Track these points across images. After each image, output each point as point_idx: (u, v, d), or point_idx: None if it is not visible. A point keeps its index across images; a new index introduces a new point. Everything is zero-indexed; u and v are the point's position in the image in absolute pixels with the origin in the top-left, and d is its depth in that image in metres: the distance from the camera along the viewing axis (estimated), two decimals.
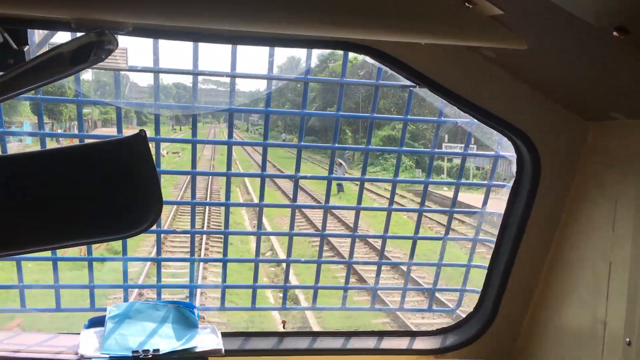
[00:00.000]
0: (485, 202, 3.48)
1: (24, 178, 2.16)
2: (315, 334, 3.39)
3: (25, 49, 2.22)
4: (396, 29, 2.17)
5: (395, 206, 3.64)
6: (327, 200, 3.48)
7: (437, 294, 3.79)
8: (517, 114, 2.82)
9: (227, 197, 3.34)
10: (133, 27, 2.24)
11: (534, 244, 3.12)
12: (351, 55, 2.97)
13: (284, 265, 16.24)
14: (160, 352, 2.80)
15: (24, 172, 2.16)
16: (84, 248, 3.23)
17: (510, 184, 3.16)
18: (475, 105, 2.80)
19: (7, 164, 2.10)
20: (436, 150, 3.38)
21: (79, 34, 2.08)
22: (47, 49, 2.10)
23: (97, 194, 2.24)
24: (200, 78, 3.10)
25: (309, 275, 16.11)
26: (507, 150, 3.18)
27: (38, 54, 2.12)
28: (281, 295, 3.81)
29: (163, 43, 2.84)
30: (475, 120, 3.04)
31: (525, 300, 3.27)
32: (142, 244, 15.19)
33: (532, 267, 3.18)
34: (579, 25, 1.81)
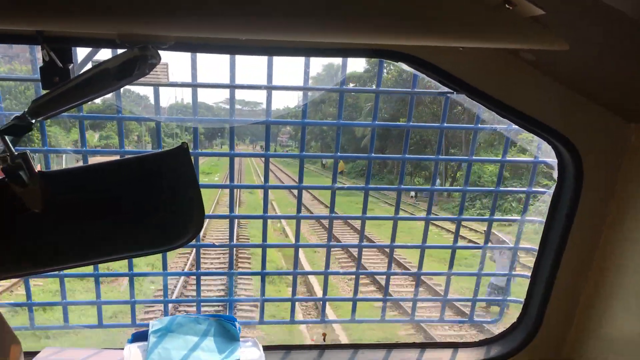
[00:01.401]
0: (525, 210, 3.42)
1: (67, 193, 2.19)
2: (357, 347, 3.35)
3: (70, 66, 2.26)
4: (434, 34, 2.15)
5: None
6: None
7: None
8: (558, 117, 2.78)
9: (265, 209, 3.34)
10: (175, 42, 2.28)
11: (578, 250, 3.05)
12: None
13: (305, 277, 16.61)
14: None
15: (66, 188, 2.19)
16: None
17: (551, 190, 3.11)
18: (514, 109, 2.76)
19: (51, 180, 2.14)
20: (474, 157, 3.33)
21: (121, 50, 2.12)
22: (91, 66, 2.14)
23: (139, 207, 2.26)
24: (222, 98, 3.14)
25: (338, 291, 16.37)
26: (547, 155, 3.13)
27: (82, 71, 2.16)
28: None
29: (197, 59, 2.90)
30: (515, 125, 3.00)
31: (570, 309, 3.19)
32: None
33: (577, 274, 3.11)
34: (624, 23, 1.78)
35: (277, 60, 2.98)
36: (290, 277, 3.61)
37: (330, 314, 13.40)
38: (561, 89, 2.72)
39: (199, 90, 3.01)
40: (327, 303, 3.68)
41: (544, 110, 2.77)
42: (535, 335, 3.26)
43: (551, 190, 3.11)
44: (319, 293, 15.49)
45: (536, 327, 3.25)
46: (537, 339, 3.27)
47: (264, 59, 2.92)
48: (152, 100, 3.03)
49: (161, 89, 2.94)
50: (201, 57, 2.89)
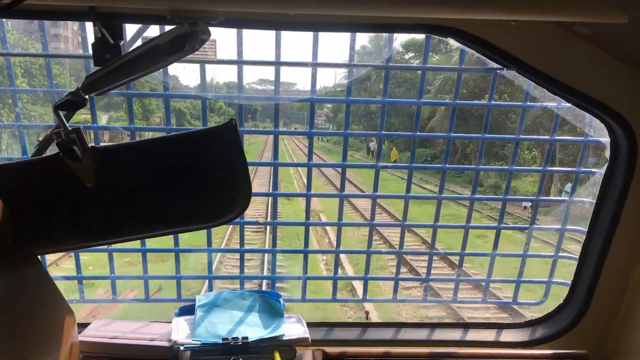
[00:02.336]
0: (573, 190, 3.34)
1: (116, 168, 2.23)
2: (399, 325, 3.35)
3: (121, 43, 2.28)
4: (485, 7, 2.10)
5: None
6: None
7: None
8: (613, 95, 2.69)
9: (309, 188, 3.35)
10: (224, 18, 2.28)
11: (629, 232, 2.98)
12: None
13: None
14: (249, 340, 2.83)
15: (116, 163, 2.23)
16: None
17: (602, 170, 3.03)
18: (567, 86, 2.68)
19: (103, 155, 2.17)
20: (521, 136, 3.26)
21: (170, 27, 2.13)
22: (141, 43, 2.16)
23: (187, 183, 2.29)
24: (255, 78, 3.13)
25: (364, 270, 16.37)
26: (600, 134, 3.04)
27: (132, 48, 2.18)
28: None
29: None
30: (566, 103, 2.92)
31: (620, 291, 3.12)
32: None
33: (627, 256, 3.03)
34: None
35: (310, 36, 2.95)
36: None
37: (360, 294, 13.50)
38: (617, 65, 2.63)
39: (230, 70, 2.99)
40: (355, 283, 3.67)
41: (598, 87, 2.69)
42: (583, 317, 3.20)
43: (602, 170, 3.03)
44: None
45: (583, 310, 3.19)
46: (584, 321, 3.21)
47: (303, 36, 2.89)
48: (181, 80, 3.03)
49: (187, 68, 2.94)
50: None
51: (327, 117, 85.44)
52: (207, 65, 2.98)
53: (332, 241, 18.90)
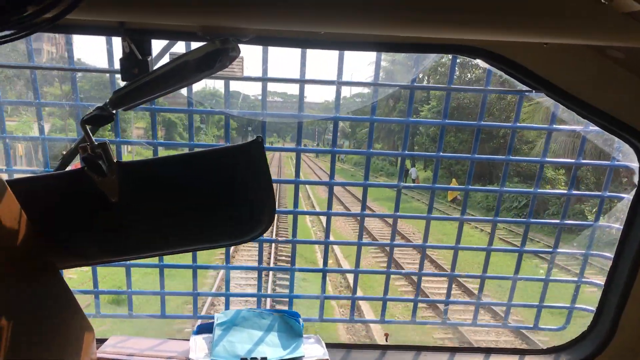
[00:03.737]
0: (598, 215, 3.28)
1: (141, 184, 2.21)
2: (419, 348, 3.29)
3: (149, 58, 2.27)
4: (517, 29, 2.07)
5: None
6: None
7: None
8: None
9: (330, 206, 3.32)
10: (254, 35, 2.27)
11: None
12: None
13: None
14: None
15: (141, 179, 2.21)
16: None
17: (630, 195, 2.97)
18: (597, 109, 2.64)
19: (129, 170, 2.16)
20: (547, 159, 3.22)
21: (199, 44, 2.12)
22: (169, 59, 2.15)
23: (212, 200, 2.27)
24: (259, 91, 3.11)
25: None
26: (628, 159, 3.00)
27: (160, 64, 2.17)
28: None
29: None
30: (593, 126, 2.88)
31: None
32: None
33: None
34: None
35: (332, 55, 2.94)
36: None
37: (367, 313, 13.38)
38: None
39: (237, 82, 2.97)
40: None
41: (628, 111, 2.64)
42: (608, 345, 3.13)
43: (630, 196, 2.97)
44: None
45: (609, 337, 3.11)
46: (609, 349, 3.14)
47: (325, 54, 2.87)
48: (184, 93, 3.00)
49: None
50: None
51: (342, 132, 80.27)
52: None
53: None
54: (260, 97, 3.11)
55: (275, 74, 3.08)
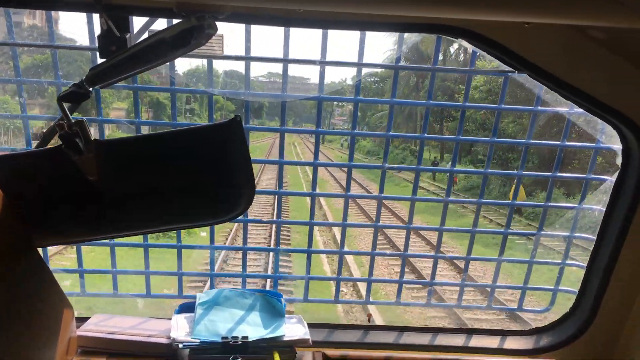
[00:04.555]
0: (582, 197, 3.28)
1: (120, 162, 2.20)
2: (402, 329, 3.30)
3: (127, 36, 2.25)
4: (498, 8, 2.05)
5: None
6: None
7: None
8: (626, 100, 2.63)
9: (314, 187, 3.31)
10: (231, 12, 2.25)
11: (639, 240, 2.92)
12: None
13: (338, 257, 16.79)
14: (249, 340, 2.80)
15: (119, 156, 2.20)
16: None
17: (613, 177, 2.97)
18: (579, 90, 2.63)
19: (107, 148, 2.14)
20: (531, 141, 3.21)
21: (176, 21, 2.10)
22: (147, 36, 2.13)
23: (191, 179, 2.26)
24: (265, 72, 3.08)
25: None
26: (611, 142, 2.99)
27: (138, 41, 2.15)
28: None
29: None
30: (578, 108, 2.87)
31: (628, 301, 3.06)
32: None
33: (636, 265, 2.97)
34: None
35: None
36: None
37: (363, 291, 13.49)
38: (631, 71, 2.57)
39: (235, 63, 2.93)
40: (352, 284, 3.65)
41: (611, 93, 2.63)
42: (589, 327, 3.15)
43: (612, 178, 2.97)
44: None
45: (590, 319, 3.13)
46: (590, 331, 3.16)
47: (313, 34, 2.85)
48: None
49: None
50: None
51: (348, 115, 75.48)
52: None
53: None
54: (260, 79, 3.08)
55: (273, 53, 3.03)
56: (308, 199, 3.41)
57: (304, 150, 60.11)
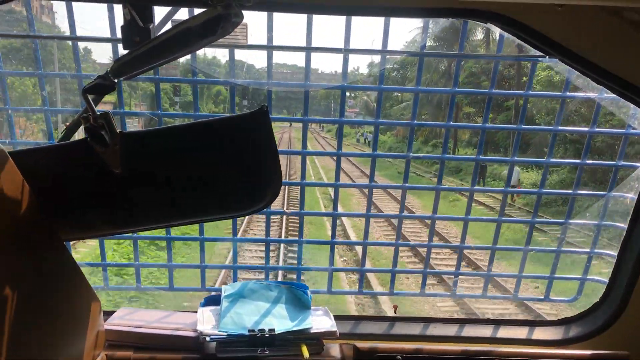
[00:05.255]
0: (612, 185, 3.20)
1: (145, 154, 2.17)
2: (428, 320, 3.27)
3: (151, 26, 2.21)
4: None
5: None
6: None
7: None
8: None
9: (337, 177, 3.27)
10: (257, 0, 2.20)
11: None
12: None
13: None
14: (276, 332, 2.78)
15: (144, 149, 2.17)
16: None
17: None
18: (613, 74, 2.55)
19: (132, 141, 2.12)
20: (559, 127, 3.14)
21: (200, 10, 2.06)
22: (170, 26, 2.09)
23: (217, 170, 2.23)
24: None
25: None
26: None
27: (162, 31, 2.11)
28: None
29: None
30: (609, 93, 2.79)
31: None
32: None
33: None
34: None
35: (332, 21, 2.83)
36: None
37: (376, 286, 13.43)
38: None
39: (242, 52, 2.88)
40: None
41: None
42: (620, 316, 3.09)
43: None
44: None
45: (621, 308, 3.07)
46: (621, 321, 3.10)
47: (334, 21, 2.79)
48: None
49: None
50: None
51: (367, 108, 69.45)
52: None
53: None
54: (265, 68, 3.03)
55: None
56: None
57: (315, 146, 55.53)
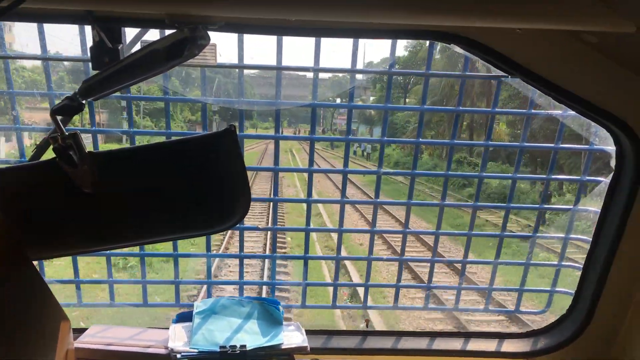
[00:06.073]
0: (577, 199, 3.29)
1: (114, 174, 2.19)
2: (400, 334, 3.31)
3: (120, 47, 2.25)
4: (491, 15, 2.06)
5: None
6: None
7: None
8: (619, 103, 2.64)
9: (309, 193, 3.31)
10: (224, 23, 2.25)
11: (634, 242, 2.92)
12: None
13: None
14: (247, 349, 2.80)
15: (114, 168, 2.19)
16: None
17: (608, 179, 2.98)
18: (572, 94, 2.63)
19: (101, 161, 2.14)
20: (525, 144, 3.21)
21: (170, 31, 2.10)
22: (140, 47, 2.13)
23: (186, 189, 2.26)
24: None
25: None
26: (605, 143, 3.00)
27: (131, 52, 2.14)
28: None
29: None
30: (571, 111, 2.88)
31: (624, 303, 3.07)
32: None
33: (632, 266, 2.98)
34: None
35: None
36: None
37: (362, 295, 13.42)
38: (624, 74, 2.58)
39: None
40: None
41: (604, 95, 2.64)
42: (586, 328, 3.16)
43: (607, 180, 2.98)
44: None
45: (587, 320, 3.14)
46: (587, 332, 3.17)
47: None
48: None
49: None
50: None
51: (362, 117, 68.41)
52: None
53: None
54: (251, 74, 3.07)
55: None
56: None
57: (304, 158, 51.62)
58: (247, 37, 2.89)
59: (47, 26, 2.72)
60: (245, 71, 3.01)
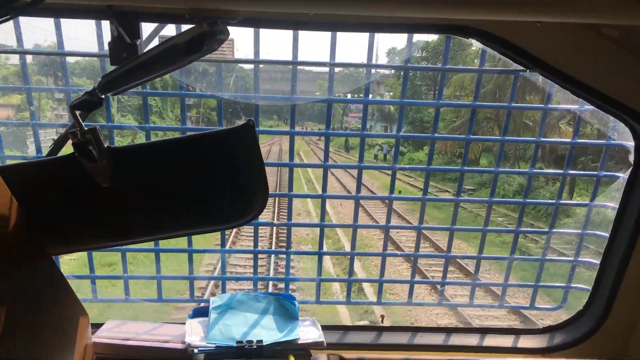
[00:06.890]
0: (594, 195, 3.26)
1: (133, 169, 2.19)
2: (415, 329, 3.30)
3: (138, 42, 2.24)
4: (510, 8, 2.03)
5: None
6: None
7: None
8: (639, 97, 2.62)
9: (324, 189, 3.30)
10: (243, 17, 2.24)
11: None
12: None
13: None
14: (264, 343, 2.80)
15: (132, 164, 2.19)
16: None
17: (626, 175, 2.96)
18: (592, 88, 2.62)
19: (120, 156, 2.14)
20: (542, 139, 3.19)
21: (188, 26, 2.09)
22: (158, 42, 2.12)
23: (204, 184, 2.25)
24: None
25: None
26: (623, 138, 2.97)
27: (149, 47, 2.14)
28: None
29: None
30: (589, 105, 2.86)
31: None
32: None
33: None
34: None
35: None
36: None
37: (370, 295, 13.45)
38: None
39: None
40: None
41: (623, 90, 2.62)
42: (603, 324, 3.14)
43: (625, 175, 2.96)
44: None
45: (604, 317, 3.12)
46: (605, 328, 3.15)
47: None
48: None
49: None
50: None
51: (382, 112, 65.33)
52: None
53: None
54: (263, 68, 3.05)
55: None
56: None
57: (313, 160, 51.02)
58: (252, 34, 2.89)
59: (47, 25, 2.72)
60: (246, 67, 3.00)
